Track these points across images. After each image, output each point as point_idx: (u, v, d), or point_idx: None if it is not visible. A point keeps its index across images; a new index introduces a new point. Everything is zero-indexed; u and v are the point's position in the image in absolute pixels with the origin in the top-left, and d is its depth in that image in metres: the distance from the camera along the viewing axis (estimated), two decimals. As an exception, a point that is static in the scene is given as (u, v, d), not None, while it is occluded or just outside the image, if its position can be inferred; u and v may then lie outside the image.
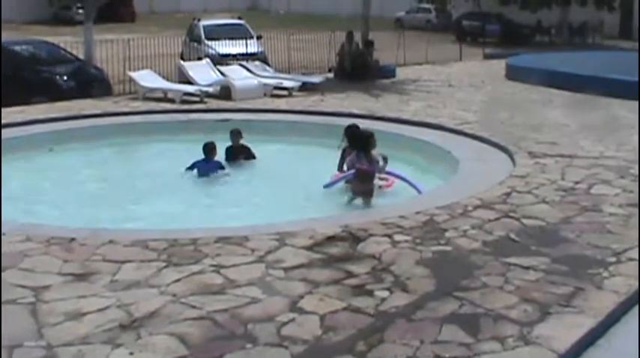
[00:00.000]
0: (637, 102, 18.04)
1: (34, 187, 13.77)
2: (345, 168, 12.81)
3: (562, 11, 52.85)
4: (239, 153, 15.03)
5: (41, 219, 10.87)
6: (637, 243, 8.80)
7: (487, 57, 35.95)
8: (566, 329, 6.58)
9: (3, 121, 17.13)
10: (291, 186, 13.25)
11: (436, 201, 10.55)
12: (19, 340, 6.35)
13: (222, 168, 14.19)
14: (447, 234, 9.15)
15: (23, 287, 7.45)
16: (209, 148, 14.06)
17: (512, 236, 9.15)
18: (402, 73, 26.65)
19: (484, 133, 15.40)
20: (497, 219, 9.79)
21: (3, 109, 19.02)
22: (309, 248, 8.56)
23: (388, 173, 12.89)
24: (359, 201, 12.14)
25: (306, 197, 12.64)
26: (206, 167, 14.00)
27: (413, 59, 31.81)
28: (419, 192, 12.26)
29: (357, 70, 25.02)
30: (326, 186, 12.78)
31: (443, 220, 9.70)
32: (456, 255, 8.52)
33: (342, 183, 12.76)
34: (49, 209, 12.29)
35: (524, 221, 9.73)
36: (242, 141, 15.12)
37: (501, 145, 14.31)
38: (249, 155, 15.11)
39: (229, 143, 15.05)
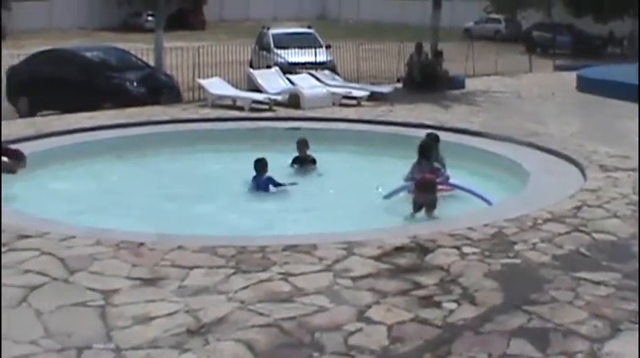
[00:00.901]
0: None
1: (103, 192, 13.92)
2: (404, 181, 12.68)
3: (635, 22, 52.08)
4: (305, 164, 15.07)
5: (110, 223, 10.95)
6: None
7: (558, 68, 35.63)
8: (637, 347, 6.47)
9: (75, 126, 17.44)
10: (359, 195, 13.21)
11: (505, 214, 10.45)
12: (89, 342, 6.42)
13: (275, 184, 13.77)
14: (516, 247, 9.06)
15: (93, 290, 7.54)
16: (261, 164, 13.72)
17: (583, 250, 9.03)
18: (471, 84, 26.52)
19: (555, 146, 15.21)
20: (567, 232, 9.67)
21: (75, 114, 19.36)
22: (377, 258, 8.53)
23: (456, 186, 12.79)
24: (421, 214, 12.01)
25: (374, 207, 12.59)
26: (257, 184, 13.71)
27: (482, 70, 31.63)
28: (489, 203, 12.13)
29: (426, 80, 24.92)
30: (386, 197, 12.72)
31: (512, 233, 9.60)
32: (525, 269, 8.43)
33: (403, 193, 12.68)
34: (118, 213, 12.39)
35: (595, 235, 9.60)
36: (308, 152, 15.16)
37: (572, 158, 14.13)
38: (312, 165, 15.16)
39: (296, 153, 15.22)
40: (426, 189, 12.00)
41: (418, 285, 7.76)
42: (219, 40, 39.00)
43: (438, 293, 7.56)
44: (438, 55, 26.62)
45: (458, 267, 8.34)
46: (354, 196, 13.19)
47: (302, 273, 8.00)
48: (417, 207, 12.02)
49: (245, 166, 13.96)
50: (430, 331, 6.72)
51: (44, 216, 10.93)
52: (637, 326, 6.89)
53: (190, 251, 8.64)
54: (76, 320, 6.90)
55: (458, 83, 25.98)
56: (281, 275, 7.91)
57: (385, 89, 23.78)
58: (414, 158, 12.86)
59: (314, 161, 15.14)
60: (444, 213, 11.98)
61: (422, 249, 8.93)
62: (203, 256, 8.46)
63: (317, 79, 23.52)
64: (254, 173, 13.73)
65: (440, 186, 12.48)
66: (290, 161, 15.08)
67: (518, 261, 8.64)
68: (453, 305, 7.26)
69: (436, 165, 12.48)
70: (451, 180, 12.77)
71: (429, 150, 12.46)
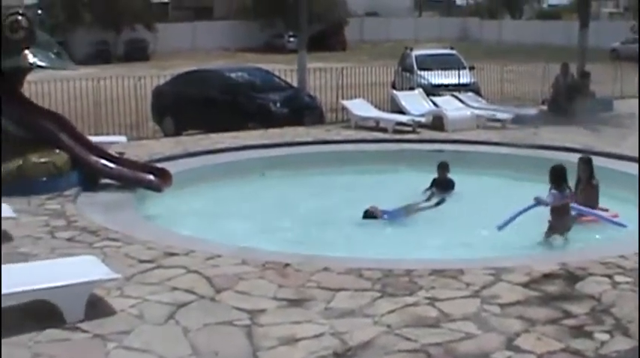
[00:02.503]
0: None
1: (247, 211, 14.04)
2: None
3: None
4: (443, 186, 14.93)
5: (253, 242, 11.04)
6: None
7: None
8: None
9: (222, 145, 17.73)
10: (500, 220, 12.90)
11: (659, 243, 10.07)
12: (236, 361, 6.46)
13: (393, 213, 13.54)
14: (671, 278, 8.72)
15: (239, 309, 7.60)
16: (368, 213, 13.41)
17: None
18: (619, 106, 25.82)
19: None
20: None
21: (219, 134, 19.68)
22: (526, 285, 8.33)
23: (585, 212, 12.43)
24: (558, 238, 11.75)
25: (517, 232, 12.28)
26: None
27: (630, 92, 30.74)
28: (622, 226, 11.72)
29: (573, 102, 24.35)
30: (500, 228, 12.26)
31: (667, 263, 9.25)
32: (681, 301, 8.10)
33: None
34: (261, 233, 12.48)
35: None
36: (448, 175, 15.08)
37: None
38: (450, 188, 15.00)
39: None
40: (565, 213, 11.78)
41: (568, 314, 7.53)
42: (360, 61, 39.15)
43: (590, 323, 7.31)
44: (585, 76, 25.99)
45: (610, 296, 8.07)
46: (495, 221, 12.87)
47: (449, 298, 7.87)
48: (554, 231, 11.77)
49: (387, 188, 13.91)
50: (582, 362, 6.52)
51: (190, 234, 11.10)
52: None
53: (336, 273, 8.62)
54: (223, 339, 6.96)
55: (605, 105, 25.30)
56: (428, 300, 7.81)
57: (530, 111, 23.40)
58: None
59: (453, 184, 14.97)
60: (592, 238, 11.69)
61: (572, 276, 8.68)
62: (349, 278, 8.42)
63: (460, 100, 23.34)
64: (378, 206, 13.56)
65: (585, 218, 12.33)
66: (429, 184, 14.95)
67: (673, 292, 8.32)
68: (606, 337, 7.01)
69: (568, 190, 12.17)
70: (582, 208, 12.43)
71: (564, 173, 12.15)
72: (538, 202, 11.75)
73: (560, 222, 11.81)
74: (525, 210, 11.88)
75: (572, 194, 12.13)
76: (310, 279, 8.41)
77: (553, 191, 11.93)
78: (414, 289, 8.11)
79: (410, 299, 7.81)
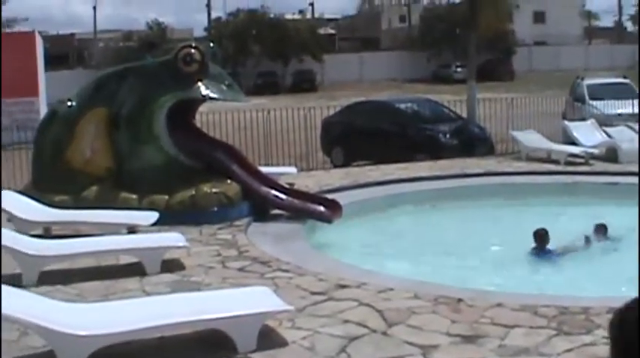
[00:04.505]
0: None
1: (417, 243, 13.96)
2: None
3: None
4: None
5: (424, 275, 10.93)
6: None
7: None
8: None
9: (391, 177, 17.79)
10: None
11: None
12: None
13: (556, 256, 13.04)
14: None
15: (411, 344, 7.50)
16: (538, 235, 13.01)
17: None
18: None
19: None
20: None
21: (389, 165, 19.73)
22: None
23: None
24: None
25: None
26: (539, 258, 12.96)
27: None
28: None
29: None
30: None
31: None
32: None
33: None
34: (432, 265, 12.36)
35: None
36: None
37: None
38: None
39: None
40: None
41: None
42: (529, 91, 38.57)
43: None
44: None
45: None
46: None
47: (627, 339, 7.58)
48: None
49: (558, 221, 13.55)
50: None
51: (360, 265, 11.08)
52: None
53: (510, 309, 8.43)
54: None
55: None
56: (605, 340, 7.51)
57: None
58: None
59: (605, 229, 14.27)
60: None
61: None
62: (523, 315, 8.22)
63: (635, 131, 22.69)
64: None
65: None
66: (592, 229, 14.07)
67: None
68: None
69: None
70: None
71: None
72: None
73: None
74: None
75: None
76: (484, 315, 8.25)
77: None
78: (591, 327, 7.83)
79: (587, 338, 7.56)
